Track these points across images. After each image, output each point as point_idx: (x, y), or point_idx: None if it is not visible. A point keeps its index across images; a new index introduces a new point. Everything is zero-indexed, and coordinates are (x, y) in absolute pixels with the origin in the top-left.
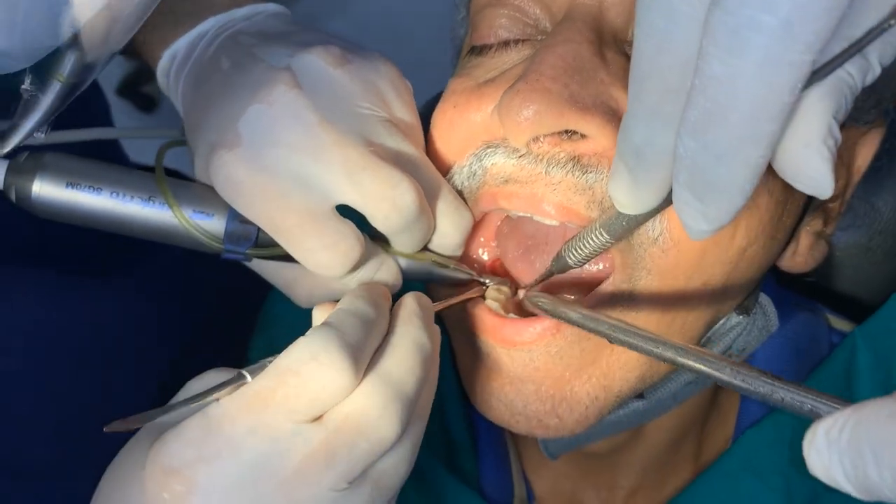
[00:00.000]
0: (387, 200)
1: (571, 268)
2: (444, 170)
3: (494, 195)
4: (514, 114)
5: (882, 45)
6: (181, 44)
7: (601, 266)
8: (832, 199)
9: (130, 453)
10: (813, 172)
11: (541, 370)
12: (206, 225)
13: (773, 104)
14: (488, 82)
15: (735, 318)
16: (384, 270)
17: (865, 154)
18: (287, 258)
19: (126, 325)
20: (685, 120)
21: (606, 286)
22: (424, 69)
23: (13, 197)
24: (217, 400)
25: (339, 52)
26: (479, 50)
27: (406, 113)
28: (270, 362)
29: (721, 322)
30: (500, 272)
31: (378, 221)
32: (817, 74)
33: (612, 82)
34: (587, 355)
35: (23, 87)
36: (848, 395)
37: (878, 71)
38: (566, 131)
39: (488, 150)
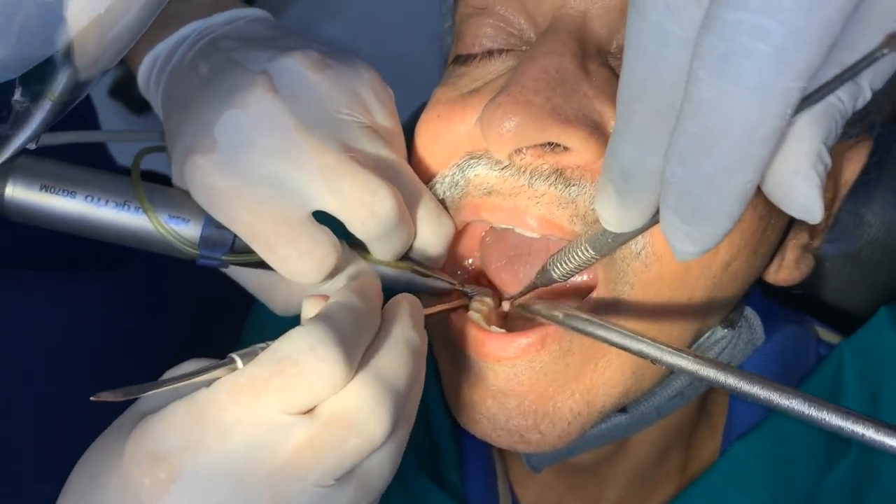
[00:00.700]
0: (365, 207)
1: (556, 281)
2: (427, 179)
3: (477, 206)
4: (496, 126)
5: (873, 72)
6: (162, 48)
7: (585, 277)
8: None
9: (104, 445)
10: (802, 199)
11: (524, 385)
12: (182, 230)
13: (764, 130)
14: (472, 93)
15: (720, 332)
16: (363, 278)
17: (853, 167)
18: (263, 265)
19: (104, 335)
20: (673, 145)
21: (590, 299)
22: (419, 75)
23: None
24: (207, 385)
25: (319, 56)
26: (464, 59)
27: (387, 119)
28: (263, 349)
29: (706, 335)
30: (483, 283)
31: (356, 228)
32: (808, 100)
33: (595, 95)
34: (571, 371)
35: (14, 98)
36: None
37: (868, 96)
38: (549, 143)
39: (471, 161)
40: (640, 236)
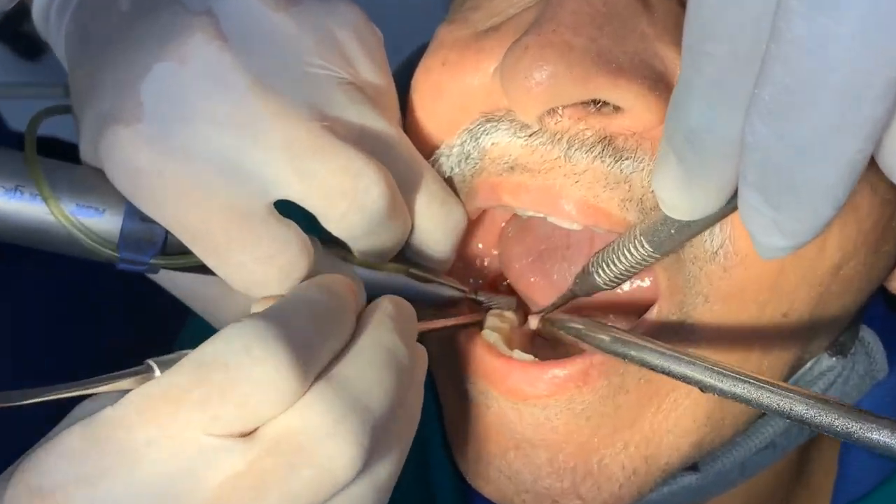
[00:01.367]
0: (345, 195)
1: (601, 289)
2: (428, 151)
3: (495, 187)
4: (523, 77)
5: None
6: None
7: (641, 284)
8: None
9: None
10: None
11: (560, 433)
12: (95, 224)
13: (878, 79)
14: (490, 32)
15: (827, 361)
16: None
17: None
18: (206, 270)
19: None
20: (757, 98)
21: (649, 316)
22: (416, 9)
23: None
24: (112, 398)
25: None
26: None
27: (375, 73)
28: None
29: (808, 366)
30: (502, 290)
31: (333, 223)
32: None
33: (657, 35)
34: (624, 414)
35: None
36: None
37: None
38: (594, 101)
39: (488, 126)
40: (716, 228)
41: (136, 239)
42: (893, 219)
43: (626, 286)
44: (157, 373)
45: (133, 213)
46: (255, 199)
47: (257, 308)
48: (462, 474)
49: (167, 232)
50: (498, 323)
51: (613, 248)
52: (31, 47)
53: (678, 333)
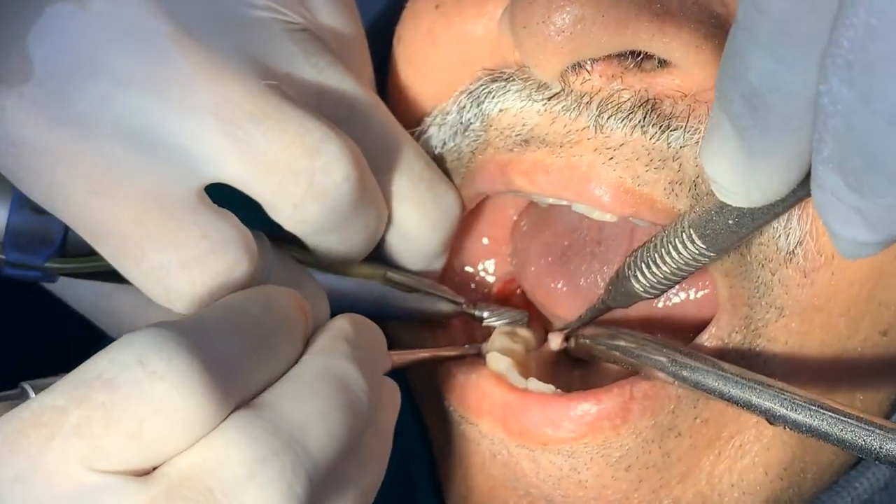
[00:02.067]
0: (299, 177)
1: (640, 299)
2: (414, 119)
3: (504, 167)
4: (539, 22)
5: None
6: None
7: (694, 293)
8: None
9: None
10: None
11: (590, 489)
12: None
13: None
14: None
15: None
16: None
17: None
18: (117, 277)
19: None
20: (834, 47)
21: (707, 337)
22: None
23: None
24: None
25: None
26: None
27: (338, 17)
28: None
29: None
30: (513, 301)
31: (285, 214)
32: None
33: None
34: (675, 464)
35: None
36: None
37: None
38: (632, 54)
39: (493, 86)
40: (792, 220)
41: (27, 237)
42: None
43: (673, 296)
44: (32, 394)
45: (22, 202)
46: (179, 183)
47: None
48: None
49: (66, 227)
50: (509, 344)
51: (656, 245)
52: None
53: (744, 358)
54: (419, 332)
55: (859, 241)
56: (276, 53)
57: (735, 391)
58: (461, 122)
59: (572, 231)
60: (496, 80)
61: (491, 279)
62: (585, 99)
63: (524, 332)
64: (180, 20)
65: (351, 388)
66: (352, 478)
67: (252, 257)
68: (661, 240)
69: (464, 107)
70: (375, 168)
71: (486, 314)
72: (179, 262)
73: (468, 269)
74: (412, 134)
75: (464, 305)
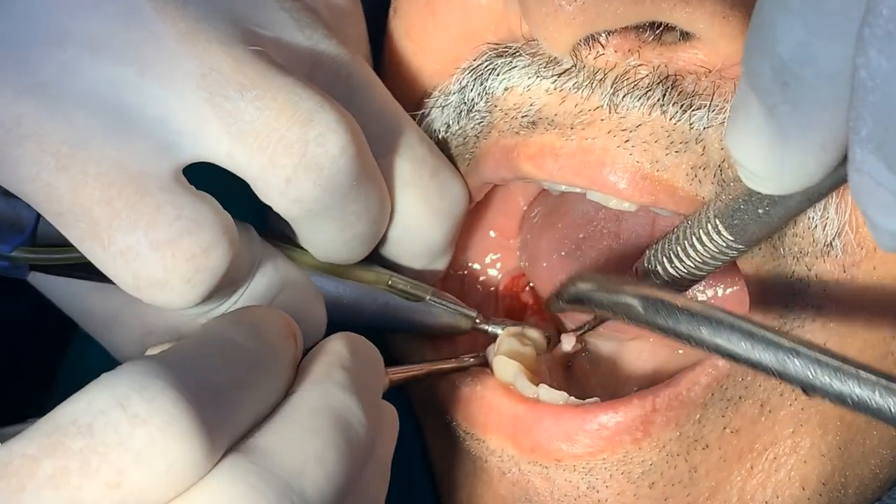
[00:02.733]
0: (290, 149)
1: None
2: (413, 100)
3: (510, 152)
4: None
5: None
6: None
7: (721, 289)
8: None
9: None
10: None
11: None
12: None
13: None
14: None
15: None
16: (287, 298)
17: None
18: (91, 271)
19: None
20: (872, 15)
21: None
22: None
23: None
24: None
25: None
26: None
27: None
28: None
29: None
30: (523, 298)
31: (274, 192)
32: None
33: None
34: (702, 479)
35: None
36: None
37: None
38: (651, 25)
39: (498, 62)
40: (829, 209)
41: None
42: None
43: (699, 294)
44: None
45: None
46: (155, 159)
47: (154, 352)
48: None
49: (38, 215)
50: (517, 346)
51: (679, 237)
52: None
53: None
54: (418, 341)
55: None
56: (266, 22)
57: (766, 356)
58: (465, 102)
59: (588, 222)
60: (501, 56)
61: (497, 275)
62: (599, 75)
63: (534, 334)
64: None
65: (350, 424)
66: None
67: (231, 241)
68: (685, 231)
69: (466, 85)
70: (374, 152)
71: (489, 326)
72: (150, 244)
73: (472, 264)
74: (413, 118)
75: (477, 321)
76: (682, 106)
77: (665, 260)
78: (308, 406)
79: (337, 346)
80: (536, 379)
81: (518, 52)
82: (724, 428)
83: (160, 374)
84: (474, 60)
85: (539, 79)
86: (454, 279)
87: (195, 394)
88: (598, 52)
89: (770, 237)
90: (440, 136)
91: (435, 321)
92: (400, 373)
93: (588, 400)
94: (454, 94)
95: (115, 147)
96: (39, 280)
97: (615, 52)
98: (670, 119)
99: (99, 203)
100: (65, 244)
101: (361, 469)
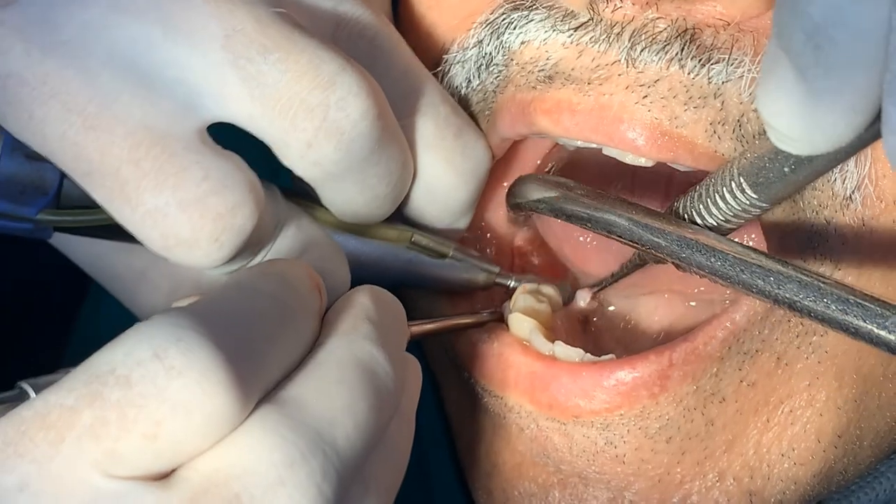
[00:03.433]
0: (312, 112)
1: None
2: (432, 56)
3: (526, 106)
4: None
5: None
6: None
7: None
8: None
9: None
10: None
11: (628, 463)
12: None
13: None
14: None
15: None
16: (310, 257)
17: None
18: (120, 233)
19: None
20: None
21: (749, 302)
22: None
23: None
24: None
25: None
26: None
27: None
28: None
29: None
30: (539, 256)
31: (296, 155)
32: None
33: None
34: (719, 433)
35: None
36: None
37: None
38: None
39: (514, 15)
40: (849, 162)
41: (19, 185)
42: None
43: None
44: (32, 394)
45: (15, 147)
46: (181, 120)
47: (182, 304)
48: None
49: (62, 176)
50: (533, 303)
51: (701, 195)
52: None
53: (791, 319)
54: (435, 296)
55: None
56: None
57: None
58: (483, 56)
59: (604, 179)
60: (517, 9)
61: (510, 233)
62: (616, 29)
63: (549, 290)
64: None
65: (377, 375)
66: (378, 470)
67: (258, 200)
68: (707, 189)
69: (482, 39)
70: (397, 113)
71: (509, 280)
72: (178, 204)
73: (486, 222)
74: (434, 76)
75: (498, 275)
76: (700, 60)
77: (686, 217)
78: (336, 358)
79: (362, 299)
80: (552, 336)
81: (534, 5)
82: (741, 381)
83: (195, 325)
84: (490, 14)
85: (556, 32)
86: (469, 237)
87: (228, 345)
88: (615, 5)
89: (793, 195)
90: (462, 93)
91: (457, 277)
92: (420, 326)
93: (604, 357)
94: (472, 48)
95: (140, 107)
96: (60, 241)
97: (633, 5)
98: (688, 73)
99: (127, 163)
100: (89, 206)
101: (389, 421)
